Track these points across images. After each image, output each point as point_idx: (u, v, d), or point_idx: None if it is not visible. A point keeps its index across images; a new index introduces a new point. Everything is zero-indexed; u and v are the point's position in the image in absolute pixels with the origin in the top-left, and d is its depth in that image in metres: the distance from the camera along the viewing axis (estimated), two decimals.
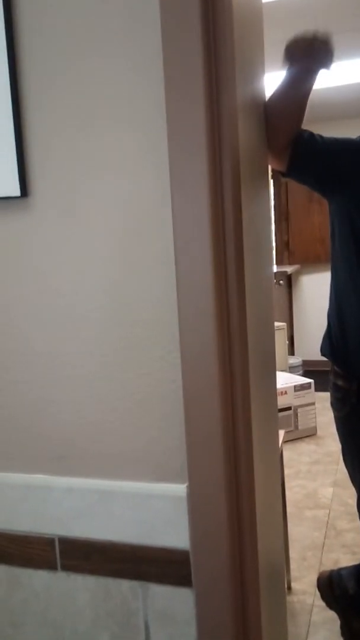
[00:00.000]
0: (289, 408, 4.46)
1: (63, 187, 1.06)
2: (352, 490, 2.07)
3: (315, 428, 4.55)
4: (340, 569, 2.30)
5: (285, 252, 6.63)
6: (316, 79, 1.50)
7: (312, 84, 1.50)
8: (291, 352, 6.43)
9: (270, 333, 1.44)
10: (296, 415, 4.49)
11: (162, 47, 0.96)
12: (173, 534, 1.07)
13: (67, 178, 1.05)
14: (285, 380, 4.59)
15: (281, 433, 2.44)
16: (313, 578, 2.58)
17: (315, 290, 6.47)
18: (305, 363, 5.96)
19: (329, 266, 1.91)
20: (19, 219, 1.09)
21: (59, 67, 1.03)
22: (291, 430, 4.43)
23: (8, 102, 1.05)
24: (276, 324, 5.10)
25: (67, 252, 1.07)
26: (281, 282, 6.26)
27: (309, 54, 1.45)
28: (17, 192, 1.07)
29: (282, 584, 1.58)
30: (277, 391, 1.76)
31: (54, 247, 1.08)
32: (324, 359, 1.97)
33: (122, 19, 0.99)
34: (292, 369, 5.71)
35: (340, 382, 1.90)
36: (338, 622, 2.27)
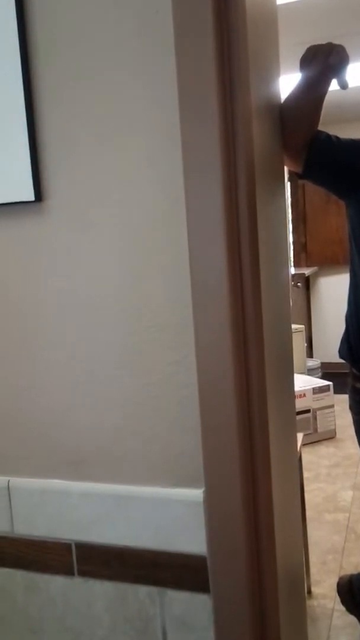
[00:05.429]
0: (307, 411, 4.42)
1: (78, 192, 1.06)
2: None
3: (334, 431, 4.52)
4: None
5: (303, 254, 6.59)
6: (331, 82, 1.49)
7: (328, 86, 1.49)
8: (310, 354, 6.38)
9: (288, 335, 1.43)
10: (315, 418, 4.46)
11: (175, 53, 0.96)
12: (190, 539, 1.06)
13: (82, 183, 1.05)
14: (303, 382, 4.56)
15: (300, 436, 2.42)
16: (333, 582, 2.55)
17: (334, 292, 6.42)
18: (324, 365, 5.92)
19: (347, 268, 1.89)
20: (33, 223, 1.09)
21: (75, 77, 1.03)
22: (310, 433, 4.40)
23: (22, 107, 1.05)
24: (294, 326, 5.07)
25: (81, 256, 1.07)
26: (299, 284, 6.23)
27: (325, 58, 1.44)
28: (32, 197, 1.07)
29: (302, 588, 1.57)
30: (296, 394, 1.75)
31: (67, 252, 1.08)
32: (343, 361, 1.95)
33: (136, 27, 0.99)
34: (310, 372, 5.67)
35: (359, 385, 1.89)
36: (359, 627, 2.24)
